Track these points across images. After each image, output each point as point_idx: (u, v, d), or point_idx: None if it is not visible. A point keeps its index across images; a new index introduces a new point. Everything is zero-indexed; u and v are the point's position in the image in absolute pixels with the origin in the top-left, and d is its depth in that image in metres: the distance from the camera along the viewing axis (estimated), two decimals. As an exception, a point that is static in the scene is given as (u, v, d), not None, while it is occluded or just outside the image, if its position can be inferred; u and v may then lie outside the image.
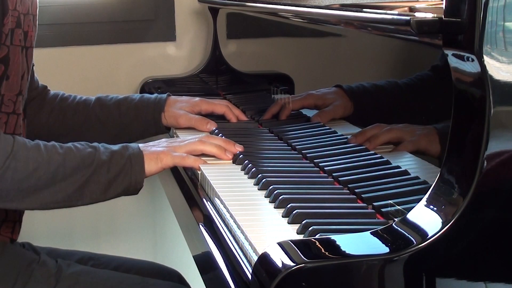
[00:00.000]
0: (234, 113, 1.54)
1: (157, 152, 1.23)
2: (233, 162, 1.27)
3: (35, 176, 1.14)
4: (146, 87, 2.01)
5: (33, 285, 1.24)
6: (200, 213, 1.13)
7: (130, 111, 1.51)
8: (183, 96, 1.55)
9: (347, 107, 1.26)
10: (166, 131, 1.55)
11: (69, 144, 1.20)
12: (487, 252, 0.81)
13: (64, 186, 1.16)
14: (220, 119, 1.53)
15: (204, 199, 1.15)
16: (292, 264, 0.76)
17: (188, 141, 1.28)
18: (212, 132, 1.44)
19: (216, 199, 1.11)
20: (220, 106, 1.54)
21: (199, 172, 1.24)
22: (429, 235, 0.78)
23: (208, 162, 1.26)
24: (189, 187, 1.25)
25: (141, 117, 1.51)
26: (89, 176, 1.17)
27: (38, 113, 1.50)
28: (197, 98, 1.54)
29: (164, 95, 1.52)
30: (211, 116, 1.53)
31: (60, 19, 2.05)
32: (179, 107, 1.51)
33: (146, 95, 1.53)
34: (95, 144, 1.22)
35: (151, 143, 1.29)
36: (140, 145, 1.26)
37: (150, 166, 1.22)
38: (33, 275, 1.25)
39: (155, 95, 1.53)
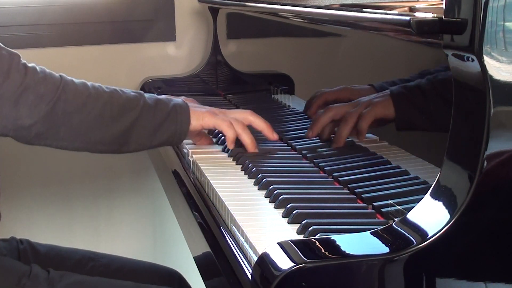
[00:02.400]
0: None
1: (201, 111, 1.25)
2: (235, 162, 1.27)
3: (85, 110, 1.15)
4: (146, 87, 2.01)
5: None
6: (200, 213, 1.13)
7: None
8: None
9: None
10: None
11: (114, 87, 1.22)
12: (487, 252, 0.81)
13: (112, 126, 1.16)
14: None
15: (204, 199, 1.15)
16: (292, 264, 0.76)
17: (233, 115, 1.29)
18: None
19: (216, 199, 1.11)
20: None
21: (199, 172, 1.24)
22: (429, 235, 0.78)
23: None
24: (189, 187, 1.25)
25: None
26: (135, 118, 1.18)
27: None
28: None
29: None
30: None
31: (60, 19, 2.05)
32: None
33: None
34: (139, 90, 1.24)
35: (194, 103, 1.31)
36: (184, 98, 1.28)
37: (194, 120, 1.24)
38: None
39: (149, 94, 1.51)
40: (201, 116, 1.25)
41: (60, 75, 1.18)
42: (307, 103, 1.42)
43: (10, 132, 1.15)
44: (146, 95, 1.22)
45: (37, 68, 1.15)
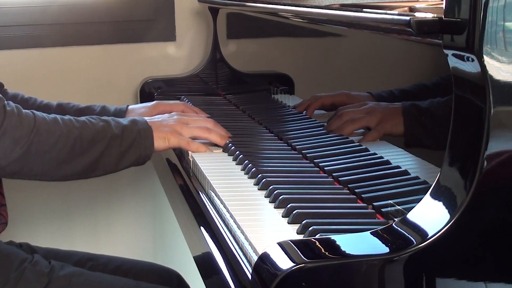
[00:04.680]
0: (194, 110, 1.54)
1: (165, 132, 1.31)
2: (235, 162, 1.27)
3: (56, 148, 1.20)
4: (146, 87, 2.01)
5: (25, 283, 1.25)
6: (200, 213, 1.13)
7: None
8: (139, 104, 1.59)
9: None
10: None
11: (83, 118, 1.26)
12: (487, 252, 0.81)
13: (82, 159, 1.22)
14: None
15: (204, 199, 1.15)
16: (292, 264, 0.76)
17: (195, 125, 1.36)
18: None
19: (216, 199, 1.11)
20: (177, 105, 1.56)
21: (199, 172, 1.24)
22: (429, 235, 0.78)
23: (213, 151, 1.34)
24: (189, 187, 1.25)
25: None
26: (103, 149, 1.23)
27: None
28: (153, 102, 1.56)
29: (124, 106, 1.53)
30: None
31: (60, 19, 2.05)
32: (139, 114, 1.51)
33: (108, 106, 1.54)
34: (105, 118, 1.29)
35: (158, 118, 1.37)
36: (148, 119, 1.33)
37: (158, 143, 1.29)
38: (25, 274, 1.26)
39: (115, 107, 1.54)
40: (166, 138, 1.31)
41: (33, 113, 1.21)
42: (303, 101, 1.45)
43: None
44: (112, 122, 1.27)
45: (15, 109, 1.18)
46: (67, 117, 1.25)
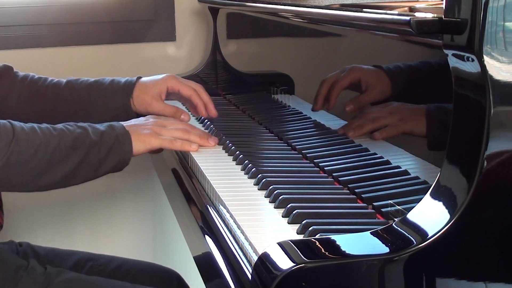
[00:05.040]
0: (202, 100, 1.46)
1: (144, 134, 1.28)
2: (235, 162, 1.27)
3: (36, 158, 1.17)
4: (146, 87, 2.00)
5: None
6: (200, 213, 1.13)
7: (99, 95, 1.47)
8: (152, 77, 1.49)
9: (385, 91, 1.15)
10: (137, 116, 1.47)
11: (61, 126, 1.23)
12: (487, 252, 0.81)
13: (62, 167, 1.19)
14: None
15: (204, 199, 1.15)
16: (292, 264, 0.76)
17: (173, 127, 1.33)
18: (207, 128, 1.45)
19: (216, 199, 1.11)
20: (187, 88, 1.46)
21: (199, 172, 1.24)
22: (429, 235, 0.78)
23: (199, 149, 1.33)
24: (189, 187, 1.25)
25: (110, 103, 1.47)
26: (82, 157, 1.21)
27: (6, 97, 1.47)
28: (164, 76, 1.47)
29: (134, 79, 1.47)
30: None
31: (60, 19, 2.05)
32: (147, 92, 1.45)
33: (117, 79, 1.48)
34: (82, 124, 1.25)
35: (135, 121, 1.33)
36: (125, 124, 1.29)
37: (138, 146, 1.26)
38: (20, 282, 1.24)
39: (126, 79, 1.48)
40: (147, 140, 1.27)
41: (11, 123, 1.18)
42: (318, 96, 1.33)
43: None
44: (90, 128, 1.24)
45: None
46: (44, 125, 1.22)
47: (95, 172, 1.24)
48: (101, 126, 1.26)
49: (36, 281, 1.25)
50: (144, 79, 1.48)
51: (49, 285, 1.26)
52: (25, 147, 1.16)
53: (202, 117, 1.56)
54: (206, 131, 1.46)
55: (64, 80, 1.50)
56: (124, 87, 1.46)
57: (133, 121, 1.33)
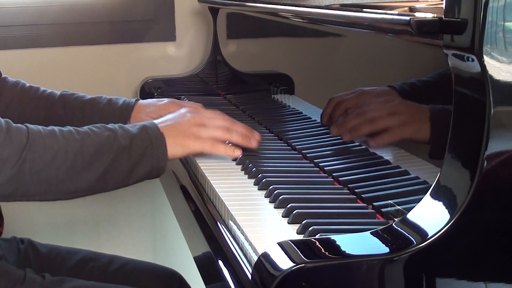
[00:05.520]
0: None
1: (181, 137, 1.17)
2: (235, 162, 1.27)
3: (54, 165, 1.07)
4: (146, 87, 2.01)
5: None
6: (200, 213, 1.12)
7: (94, 115, 1.41)
8: (151, 100, 1.47)
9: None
10: None
11: (86, 128, 1.13)
12: (487, 252, 0.81)
13: (85, 175, 1.09)
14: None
15: (204, 199, 1.15)
16: (292, 264, 0.76)
17: (213, 124, 1.22)
18: None
19: (216, 199, 1.11)
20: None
21: (199, 172, 1.24)
22: (429, 235, 0.78)
23: (241, 154, 1.24)
24: (189, 187, 1.25)
25: (105, 123, 1.32)
26: (109, 163, 1.10)
27: None
28: (165, 100, 1.45)
29: (133, 100, 1.44)
30: None
31: (60, 19, 2.05)
32: (147, 113, 1.42)
33: (114, 99, 1.44)
34: (112, 126, 1.15)
35: (170, 120, 1.21)
36: (159, 123, 1.19)
37: (175, 150, 1.16)
38: None
39: (123, 99, 1.44)
40: (184, 144, 1.17)
41: (27, 127, 1.09)
42: (324, 112, 1.32)
43: None
44: (120, 131, 1.14)
45: (3, 125, 1.06)
46: (66, 128, 1.12)
47: (127, 179, 1.13)
48: (133, 128, 1.15)
49: None
50: (142, 101, 1.44)
51: None
52: (41, 154, 1.06)
53: None
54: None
55: (58, 93, 1.45)
56: (122, 108, 1.42)
57: (168, 119, 1.22)
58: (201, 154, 1.28)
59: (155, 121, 1.20)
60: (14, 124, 1.08)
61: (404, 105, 1.04)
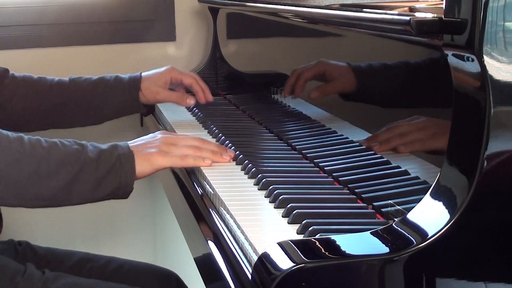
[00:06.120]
0: (200, 86, 1.61)
1: (150, 154, 1.18)
2: (235, 162, 1.27)
3: (17, 168, 1.08)
4: (146, 87, 2.00)
5: None
6: (200, 213, 1.12)
7: (106, 92, 1.54)
8: (154, 70, 1.61)
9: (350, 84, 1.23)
10: (143, 109, 1.61)
11: (55, 140, 1.15)
12: (487, 252, 0.81)
13: (49, 183, 1.10)
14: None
15: (204, 199, 1.15)
16: (292, 264, 0.76)
17: (184, 144, 1.23)
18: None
19: (216, 199, 1.11)
20: (188, 77, 1.62)
21: (199, 172, 1.24)
22: (429, 235, 0.78)
23: (210, 164, 1.23)
24: (189, 187, 1.25)
25: (117, 97, 1.55)
26: (76, 173, 1.11)
27: (12, 98, 1.49)
28: (166, 68, 1.61)
29: (138, 74, 1.57)
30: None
31: (60, 19, 2.05)
32: (154, 83, 1.57)
33: (120, 76, 1.57)
34: (83, 142, 1.17)
35: (141, 140, 1.23)
36: (130, 143, 1.21)
37: (143, 167, 1.17)
38: None
39: (128, 75, 1.57)
40: (153, 160, 1.18)
41: None
42: (286, 85, 1.50)
43: None
44: (90, 146, 1.16)
45: None
46: (35, 137, 1.13)
47: (93, 193, 1.14)
48: (103, 145, 1.17)
49: (33, 286, 1.23)
50: (146, 73, 1.59)
51: None
52: (4, 155, 1.08)
53: (195, 109, 1.69)
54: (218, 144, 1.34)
55: (67, 79, 1.54)
56: (130, 81, 1.55)
57: (139, 140, 1.24)
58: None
59: (128, 142, 1.21)
60: None
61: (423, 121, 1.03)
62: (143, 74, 1.58)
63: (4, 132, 1.12)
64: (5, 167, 1.08)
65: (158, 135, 1.25)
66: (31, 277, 1.25)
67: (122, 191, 1.17)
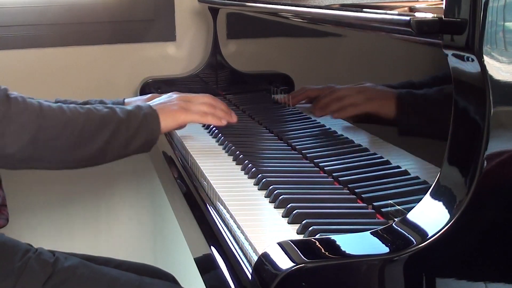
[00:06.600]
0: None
1: (172, 111, 1.32)
2: (235, 162, 1.27)
3: (65, 134, 1.19)
4: (146, 87, 2.00)
5: (29, 273, 1.26)
6: (200, 213, 1.12)
7: None
8: (136, 97, 1.61)
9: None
10: None
11: (87, 106, 1.26)
12: (487, 252, 0.81)
13: (91, 144, 1.21)
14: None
15: (204, 200, 1.15)
16: (292, 264, 0.76)
17: (198, 101, 1.37)
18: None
19: (216, 199, 1.11)
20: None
21: (199, 172, 1.24)
22: (429, 235, 0.78)
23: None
24: (189, 187, 1.25)
25: None
26: (112, 133, 1.23)
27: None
28: (148, 95, 1.56)
29: (120, 99, 1.55)
30: None
31: (60, 19, 2.05)
32: None
33: (105, 100, 1.54)
34: (109, 105, 1.30)
35: (159, 100, 1.38)
36: (150, 103, 1.34)
37: (167, 122, 1.31)
38: (29, 264, 1.27)
39: (112, 100, 1.55)
40: (176, 116, 1.32)
41: (39, 102, 1.21)
42: (292, 94, 1.50)
43: None
44: (117, 108, 1.27)
45: (18, 97, 1.19)
46: (72, 105, 1.25)
47: (124, 150, 1.26)
48: (128, 106, 1.30)
49: (45, 263, 1.28)
50: (129, 99, 1.57)
51: (58, 268, 1.28)
52: (52, 123, 1.19)
53: None
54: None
55: (53, 101, 1.49)
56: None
57: (157, 100, 1.38)
58: (201, 153, 1.29)
59: (148, 102, 1.36)
60: (25, 97, 1.20)
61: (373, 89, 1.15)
62: (126, 100, 1.56)
63: (45, 102, 1.22)
64: (55, 135, 1.19)
65: (173, 95, 1.39)
66: (42, 254, 1.31)
67: (148, 146, 1.29)
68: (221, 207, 1.07)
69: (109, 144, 1.23)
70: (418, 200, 0.83)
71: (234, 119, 1.41)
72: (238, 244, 0.95)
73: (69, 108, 1.23)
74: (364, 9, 1.02)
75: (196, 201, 1.18)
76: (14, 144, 1.15)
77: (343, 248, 0.80)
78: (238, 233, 0.96)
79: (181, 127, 1.38)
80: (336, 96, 1.26)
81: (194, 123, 1.37)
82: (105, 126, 1.23)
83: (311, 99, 1.40)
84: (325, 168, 1.16)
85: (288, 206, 1.00)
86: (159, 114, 1.29)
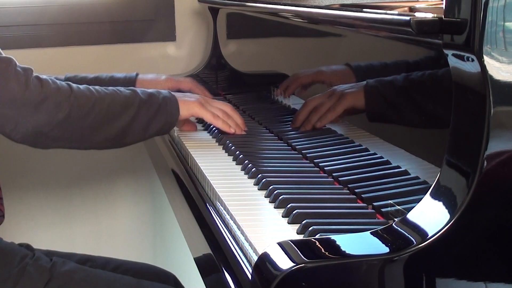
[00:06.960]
0: (200, 89, 1.65)
1: (190, 101, 1.36)
2: (235, 162, 1.27)
3: (93, 113, 1.24)
4: (146, 87, 2.00)
5: (27, 279, 1.26)
6: (200, 213, 1.12)
7: None
8: (151, 75, 1.64)
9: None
10: None
11: (110, 88, 1.30)
12: (487, 252, 0.81)
13: (116, 123, 1.26)
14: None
15: (204, 199, 1.15)
16: (292, 264, 0.76)
17: (216, 106, 1.41)
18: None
19: (216, 199, 1.11)
20: (185, 83, 1.65)
21: (199, 172, 1.24)
22: (429, 235, 0.78)
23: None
24: (189, 187, 1.25)
25: None
26: (134, 114, 1.27)
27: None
28: (163, 77, 1.64)
29: (133, 74, 1.60)
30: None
31: (60, 19, 2.05)
32: (148, 82, 1.60)
33: (116, 75, 1.60)
34: (130, 87, 1.33)
35: (179, 93, 1.41)
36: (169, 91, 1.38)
37: (182, 110, 1.34)
38: (27, 270, 1.27)
39: (124, 74, 1.60)
40: (191, 106, 1.36)
41: (67, 83, 1.25)
42: (283, 83, 1.53)
43: (30, 138, 1.23)
44: (138, 90, 1.31)
45: (48, 78, 1.23)
46: (97, 86, 1.29)
47: (144, 132, 1.29)
48: (148, 90, 1.33)
49: (42, 268, 1.28)
50: (143, 76, 1.61)
51: (55, 273, 1.28)
52: (83, 102, 1.23)
53: None
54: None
55: (63, 77, 1.55)
56: (124, 81, 1.58)
57: (178, 92, 1.42)
58: (201, 153, 1.30)
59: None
60: (54, 78, 1.25)
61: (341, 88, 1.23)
62: (140, 76, 1.61)
63: (74, 84, 1.26)
64: (85, 113, 1.23)
65: (194, 94, 1.45)
66: (40, 260, 1.31)
67: (167, 128, 1.33)
68: (221, 207, 1.07)
69: (131, 125, 1.27)
70: (418, 200, 0.83)
71: (243, 132, 1.42)
72: (238, 244, 0.95)
73: (95, 88, 1.27)
74: (364, 9, 1.02)
75: (196, 201, 1.18)
76: (49, 122, 1.20)
77: (343, 248, 0.80)
78: (238, 233, 0.96)
79: (186, 128, 1.44)
80: (312, 106, 1.33)
81: (204, 120, 1.40)
82: (129, 105, 1.27)
83: (305, 85, 1.45)
84: (325, 168, 1.16)
85: (288, 206, 1.00)
86: (178, 100, 1.34)
